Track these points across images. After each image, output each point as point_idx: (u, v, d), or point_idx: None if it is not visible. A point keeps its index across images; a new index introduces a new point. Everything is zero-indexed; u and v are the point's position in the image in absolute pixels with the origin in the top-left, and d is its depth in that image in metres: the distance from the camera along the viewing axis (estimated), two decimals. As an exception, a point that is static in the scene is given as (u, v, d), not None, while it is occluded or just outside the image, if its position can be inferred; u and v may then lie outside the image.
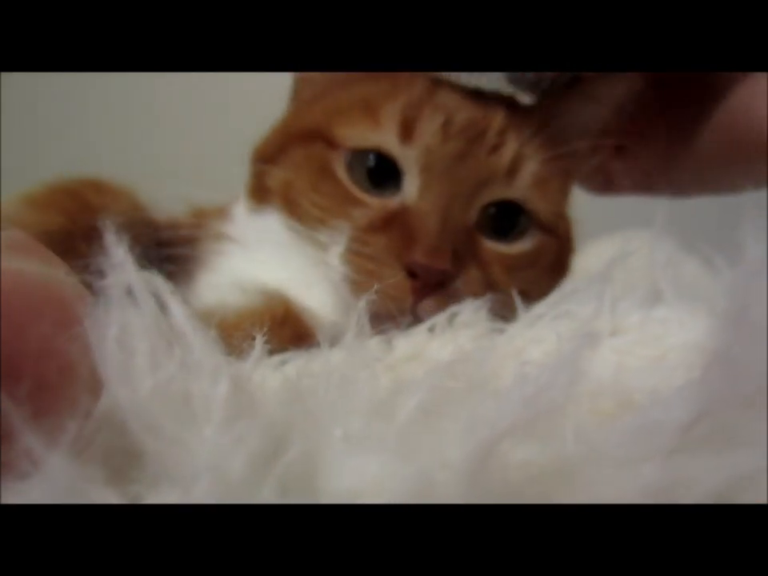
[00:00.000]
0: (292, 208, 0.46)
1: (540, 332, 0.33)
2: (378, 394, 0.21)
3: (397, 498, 0.17)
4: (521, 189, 0.46)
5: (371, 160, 0.45)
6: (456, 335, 0.31)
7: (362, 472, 0.17)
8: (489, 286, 0.44)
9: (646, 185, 0.56)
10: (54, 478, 0.16)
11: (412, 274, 0.41)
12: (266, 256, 0.47)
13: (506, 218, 0.47)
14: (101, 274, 0.18)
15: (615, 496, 0.16)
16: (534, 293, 0.45)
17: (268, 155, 0.50)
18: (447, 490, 0.17)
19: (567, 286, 0.41)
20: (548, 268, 0.49)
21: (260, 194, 0.49)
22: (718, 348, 0.16)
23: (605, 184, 0.58)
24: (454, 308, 0.35)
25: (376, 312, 0.40)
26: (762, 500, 0.15)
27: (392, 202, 0.44)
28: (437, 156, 0.44)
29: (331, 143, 0.46)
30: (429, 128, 0.44)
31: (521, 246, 0.47)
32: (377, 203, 0.44)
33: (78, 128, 1.08)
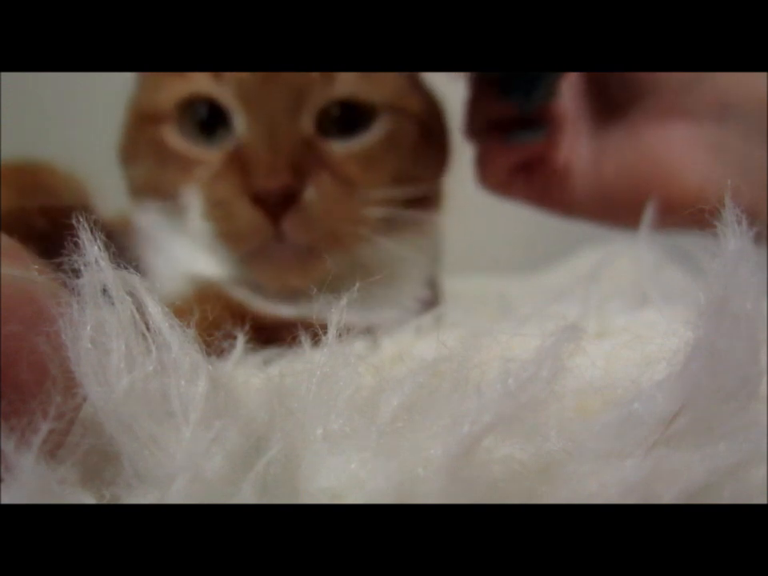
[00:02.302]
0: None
1: (527, 333, 0.33)
2: (360, 393, 0.21)
3: (378, 496, 0.17)
4: (347, 85, 0.45)
5: (200, 111, 0.45)
6: (441, 335, 0.31)
7: (342, 470, 0.17)
8: (347, 184, 0.45)
9: (543, 190, 0.52)
10: (27, 480, 0.16)
11: (257, 200, 0.42)
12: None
13: (349, 115, 0.46)
14: (75, 272, 0.18)
15: (597, 490, 0.15)
16: (408, 177, 0.47)
17: (123, 154, 0.50)
18: (429, 487, 0.17)
19: (554, 287, 0.41)
20: (412, 147, 0.49)
21: (134, 195, 0.49)
22: (698, 340, 0.16)
23: (501, 180, 0.54)
24: (440, 308, 0.34)
25: (251, 251, 0.43)
26: (742, 493, 0.15)
27: (229, 147, 0.44)
28: (250, 84, 0.43)
29: (159, 118, 0.46)
30: None
31: (371, 137, 0.46)
32: (215, 154, 0.44)
33: (77, 127, 1.07)
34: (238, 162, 0.43)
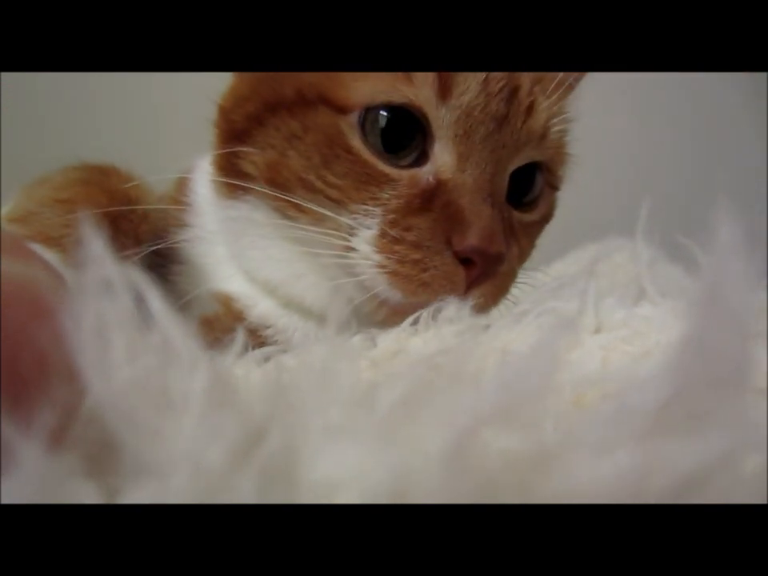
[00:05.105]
0: (285, 191, 0.39)
1: (524, 329, 0.33)
2: (359, 386, 0.21)
3: (376, 487, 0.17)
4: (549, 149, 0.42)
5: (387, 118, 0.38)
6: (439, 331, 0.32)
7: (341, 461, 0.17)
8: (520, 259, 0.42)
9: None
10: (31, 470, 0.16)
11: (465, 260, 0.37)
12: (241, 250, 0.44)
13: (526, 183, 0.42)
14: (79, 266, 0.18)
15: (591, 481, 0.16)
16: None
17: (236, 131, 0.41)
18: (426, 478, 0.17)
19: (552, 283, 0.41)
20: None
21: (233, 177, 0.42)
22: (690, 331, 0.16)
23: None
24: (437, 304, 0.35)
25: (416, 303, 0.37)
26: (735, 482, 0.15)
27: (421, 173, 0.38)
28: (477, 119, 0.37)
29: (338, 106, 0.38)
30: (471, 84, 0.37)
31: (539, 211, 0.44)
32: (405, 177, 0.38)
33: (78, 127, 1.07)
34: (445, 202, 0.37)
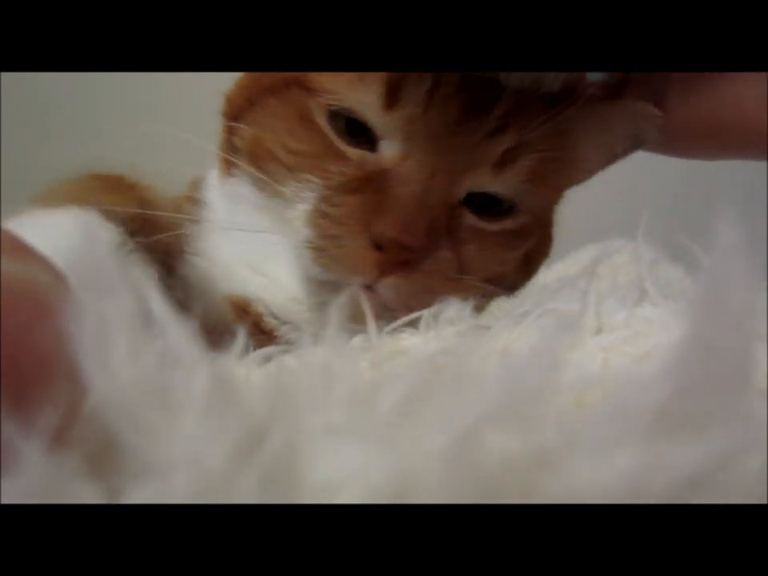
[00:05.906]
0: (261, 164, 0.42)
1: (525, 329, 0.33)
2: (360, 386, 0.21)
3: (377, 487, 0.17)
4: (511, 183, 0.42)
5: (345, 119, 0.40)
6: (440, 332, 0.32)
7: (342, 461, 0.17)
8: (460, 268, 0.42)
9: None
10: (33, 470, 0.16)
11: (378, 245, 0.37)
12: (236, 231, 0.44)
13: (493, 204, 0.43)
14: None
15: (591, 481, 0.16)
16: (500, 280, 0.44)
17: (235, 112, 0.45)
18: (427, 479, 0.17)
19: (553, 284, 0.41)
20: (523, 257, 0.46)
21: (229, 154, 0.44)
22: (691, 331, 0.16)
23: None
24: (438, 305, 0.35)
25: (335, 281, 0.39)
26: (734, 482, 0.15)
27: (371, 158, 0.40)
28: (420, 125, 0.39)
29: (308, 88, 0.41)
30: (413, 96, 0.39)
31: (504, 224, 0.44)
32: (357, 156, 0.40)
33: (78, 127, 1.07)
34: (378, 188, 0.38)
